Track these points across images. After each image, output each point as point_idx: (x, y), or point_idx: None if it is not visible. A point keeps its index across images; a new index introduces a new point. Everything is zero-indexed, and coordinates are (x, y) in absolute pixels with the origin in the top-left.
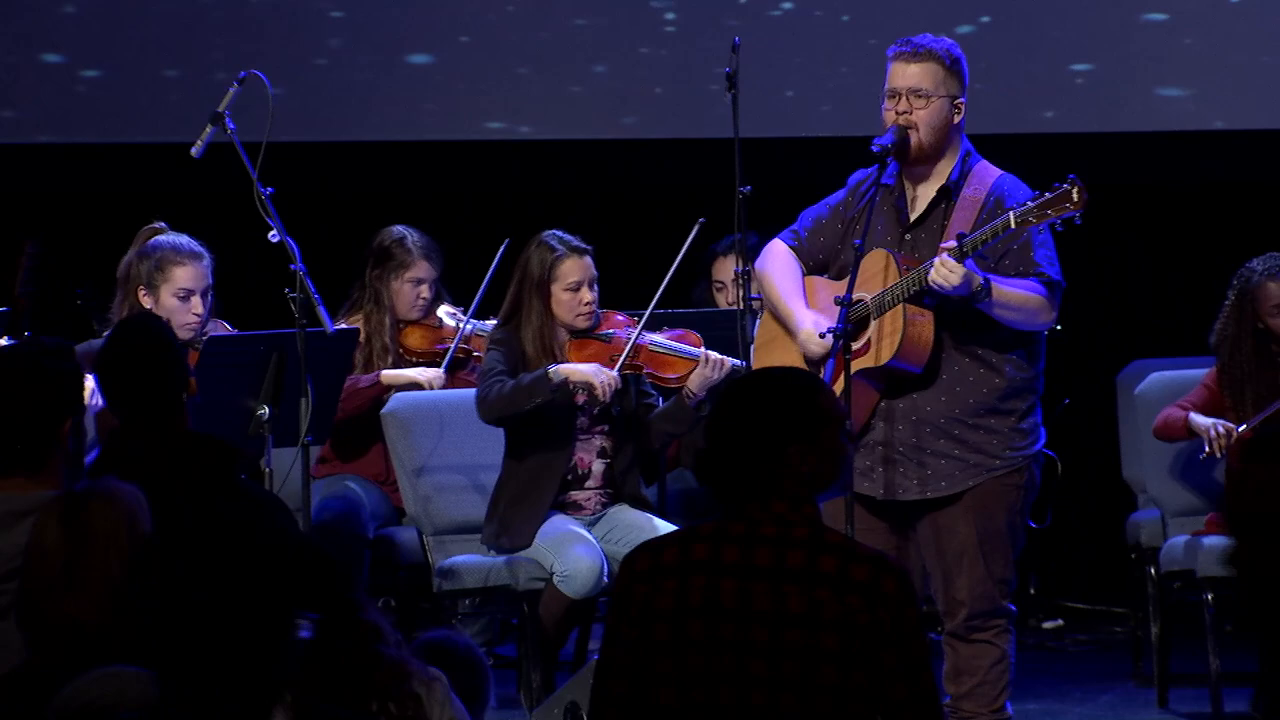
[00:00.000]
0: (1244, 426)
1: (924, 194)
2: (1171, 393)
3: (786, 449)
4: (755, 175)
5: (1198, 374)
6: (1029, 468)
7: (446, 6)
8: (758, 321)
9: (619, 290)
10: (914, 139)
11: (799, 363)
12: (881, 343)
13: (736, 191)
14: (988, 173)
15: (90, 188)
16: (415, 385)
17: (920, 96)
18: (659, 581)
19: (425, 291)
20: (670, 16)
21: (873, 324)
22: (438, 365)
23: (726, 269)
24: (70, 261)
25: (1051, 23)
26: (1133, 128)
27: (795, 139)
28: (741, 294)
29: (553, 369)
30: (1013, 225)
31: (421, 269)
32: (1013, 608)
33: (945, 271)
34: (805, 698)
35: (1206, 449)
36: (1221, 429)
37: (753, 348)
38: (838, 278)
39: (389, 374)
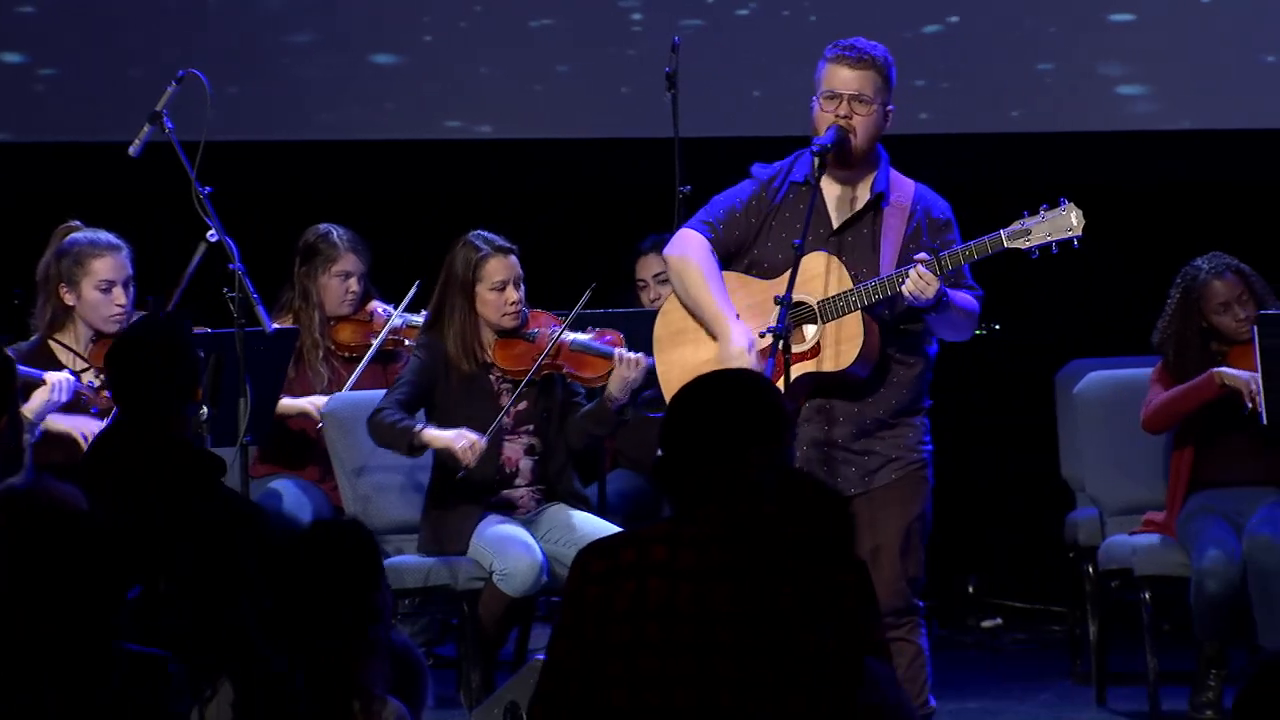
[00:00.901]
0: None
1: (851, 198)
2: (1110, 392)
3: (749, 450)
4: (721, 174)
5: (1136, 373)
6: (930, 464)
7: (413, 6)
8: None
9: (575, 290)
10: (853, 142)
11: (709, 357)
12: (840, 347)
13: (676, 191)
14: (904, 181)
15: (30, 188)
16: (305, 413)
17: (863, 103)
18: (617, 583)
19: (354, 285)
20: (637, 17)
21: (820, 327)
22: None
23: (648, 267)
24: (6, 262)
25: (1019, 23)
26: (1097, 128)
27: (760, 138)
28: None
29: (419, 429)
30: (1005, 245)
31: (348, 262)
32: (921, 604)
33: (923, 284)
34: (778, 696)
35: (1250, 404)
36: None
37: (655, 341)
38: (747, 271)
39: (285, 403)
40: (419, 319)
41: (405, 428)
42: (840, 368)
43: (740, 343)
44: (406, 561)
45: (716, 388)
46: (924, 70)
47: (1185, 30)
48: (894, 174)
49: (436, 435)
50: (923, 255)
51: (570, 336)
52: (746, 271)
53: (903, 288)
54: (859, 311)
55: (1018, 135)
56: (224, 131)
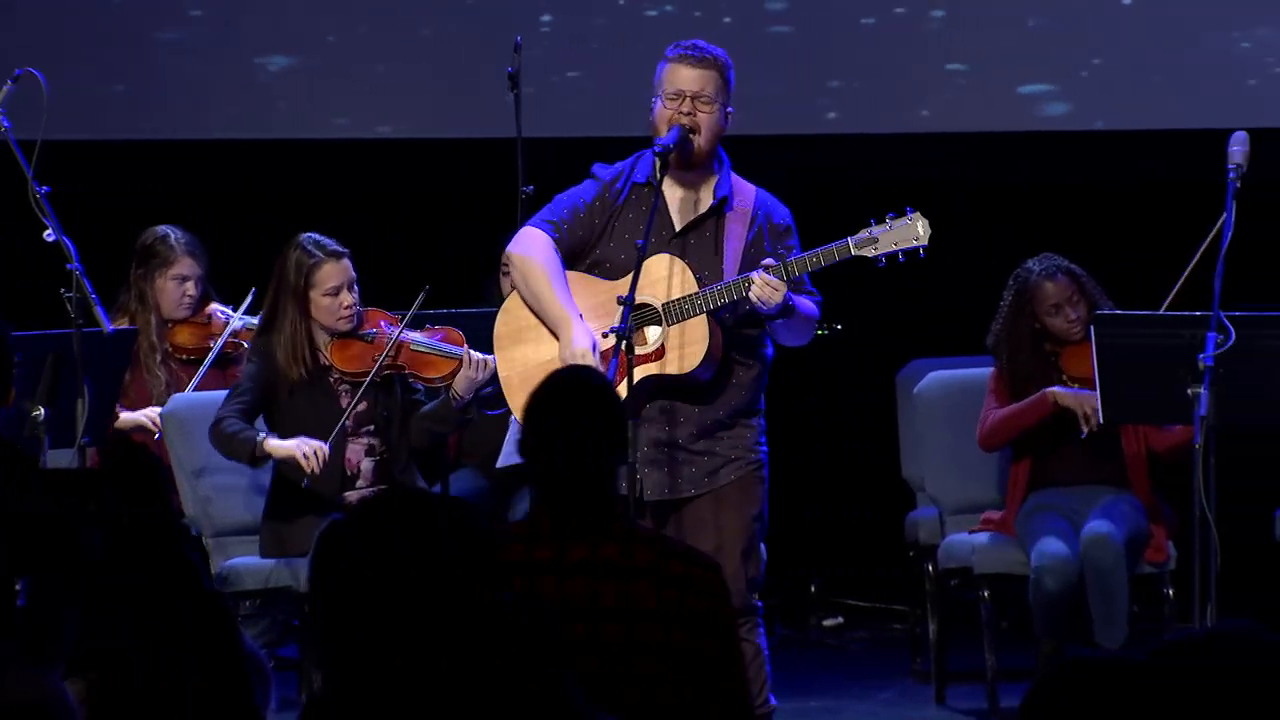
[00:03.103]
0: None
1: (693, 200)
2: (950, 392)
3: (605, 450)
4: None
5: (976, 373)
6: (766, 464)
7: (315, 5)
8: None
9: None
10: (696, 142)
11: (550, 357)
12: (684, 350)
13: (519, 191)
14: (746, 186)
15: None
16: (142, 426)
17: (705, 101)
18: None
19: (191, 289)
20: (546, 19)
21: (664, 329)
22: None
23: None
24: None
25: (935, 22)
26: (1005, 128)
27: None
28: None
29: (261, 439)
30: (852, 253)
31: (185, 266)
32: (759, 604)
33: (770, 290)
34: (630, 691)
35: (1085, 428)
36: (1096, 403)
37: (495, 339)
38: (590, 271)
39: (123, 417)
40: (257, 321)
41: (247, 439)
42: (685, 371)
43: (583, 343)
44: (248, 563)
45: (567, 389)
46: (838, 70)
47: (1092, 33)
48: (736, 179)
49: (279, 445)
50: (769, 261)
51: (411, 336)
52: (590, 271)
53: (749, 293)
54: (704, 315)
55: (927, 135)
56: (105, 130)
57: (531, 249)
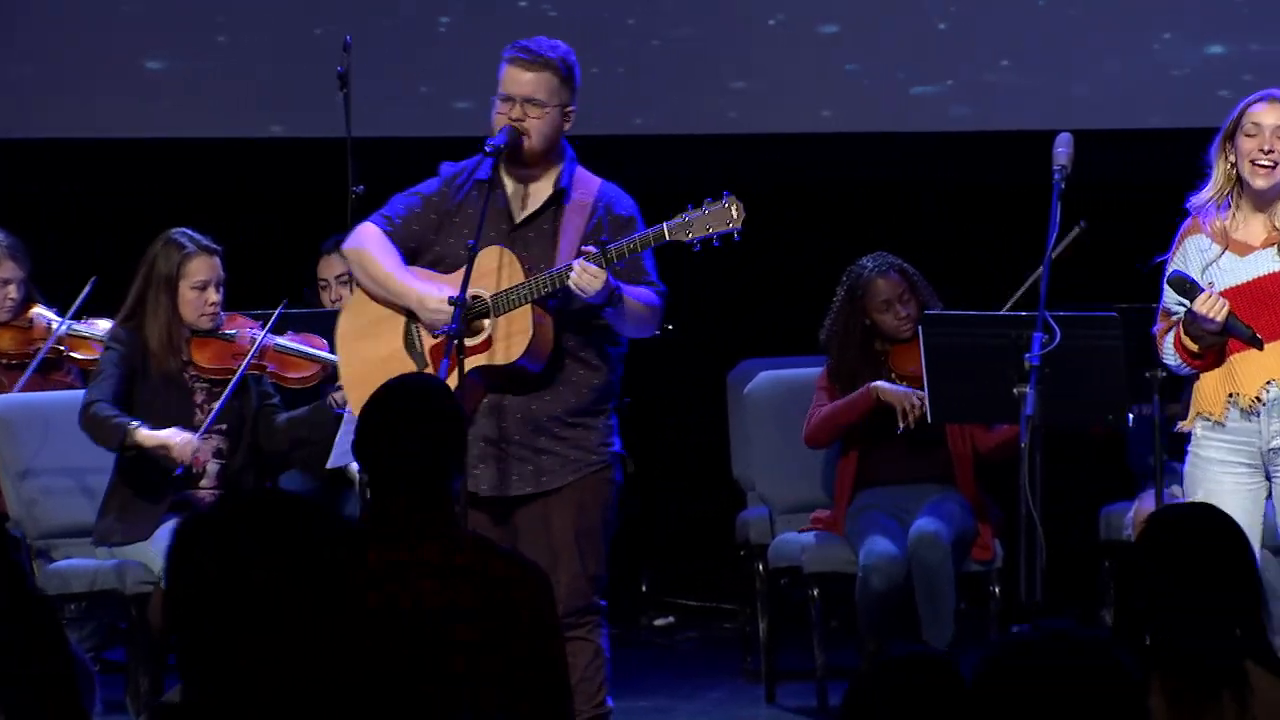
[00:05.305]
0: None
1: (533, 194)
2: (780, 392)
3: (445, 455)
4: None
5: (806, 373)
6: (615, 465)
7: (206, 3)
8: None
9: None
10: (526, 144)
11: (389, 352)
12: (509, 340)
13: (349, 191)
14: (590, 179)
15: None
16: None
17: (535, 105)
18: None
19: (12, 292)
20: (444, 20)
21: (492, 321)
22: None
23: (330, 267)
24: None
25: (840, 24)
26: (903, 128)
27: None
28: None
29: (133, 427)
30: (667, 238)
31: (6, 269)
32: (604, 603)
33: (589, 277)
34: (441, 688)
35: (903, 424)
36: (916, 399)
37: (339, 338)
38: (431, 268)
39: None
40: (83, 326)
41: (118, 425)
42: (509, 360)
43: (437, 293)
44: (73, 565)
45: (403, 397)
46: (742, 71)
47: (993, 35)
48: (580, 171)
49: (151, 435)
50: (589, 248)
51: (275, 339)
52: (431, 267)
53: (569, 281)
54: (529, 305)
55: (829, 135)
56: None
57: (363, 241)
